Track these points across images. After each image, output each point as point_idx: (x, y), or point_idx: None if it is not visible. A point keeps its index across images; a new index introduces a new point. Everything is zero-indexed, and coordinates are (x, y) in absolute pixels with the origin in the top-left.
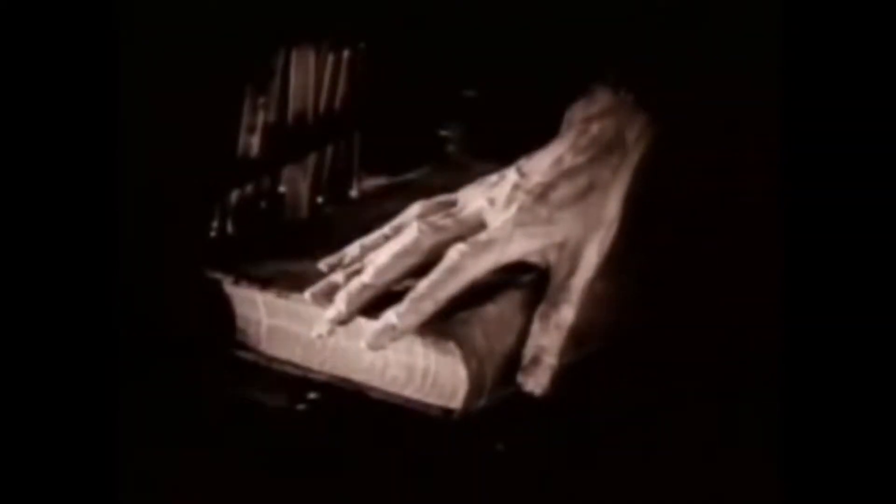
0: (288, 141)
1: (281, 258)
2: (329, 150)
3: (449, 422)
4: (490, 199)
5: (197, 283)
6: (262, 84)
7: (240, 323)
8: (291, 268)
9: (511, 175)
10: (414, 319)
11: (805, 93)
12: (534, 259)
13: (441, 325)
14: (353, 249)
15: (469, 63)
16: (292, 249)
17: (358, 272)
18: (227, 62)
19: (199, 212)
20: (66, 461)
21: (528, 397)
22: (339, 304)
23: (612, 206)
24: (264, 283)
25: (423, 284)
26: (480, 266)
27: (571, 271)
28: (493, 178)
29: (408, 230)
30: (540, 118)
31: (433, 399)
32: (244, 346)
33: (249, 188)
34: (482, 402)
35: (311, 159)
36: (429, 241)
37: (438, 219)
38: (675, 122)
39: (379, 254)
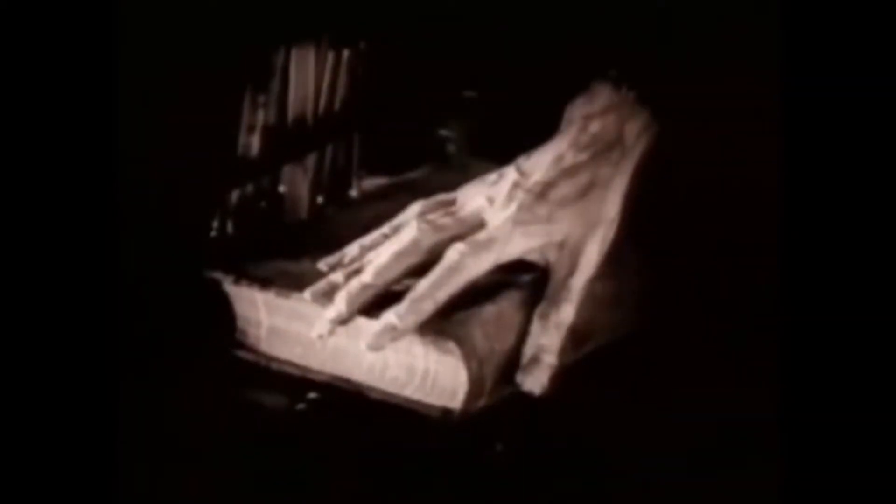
0: (288, 141)
1: (281, 258)
2: (329, 150)
3: (449, 422)
4: (489, 197)
5: (197, 283)
6: (262, 84)
7: (240, 323)
8: (291, 268)
9: (510, 173)
10: (414, 319)
11: (806, 90)
12: (533, 258)
13: (441, 325)
14: (352, 249)
15: (469, 63)
16: (292, 249)
17: (358, 272)
18: (227, 62)
19: (199, 212)
20: (66, 461)
21: (528, 397)
22: (339, 304)
23: (612, 204)
24: (264, 283)
25: (422, 284)
26: (480, 265)
27: (571, 270)
28: (493, 176)
29: (407, 229)
30: (540, 118)
31: (433, 399)
32: (244, 346)
33: (249, 188)
34: (482, 402)
35: (311, 159)
36: (428, 241)
37: (438, 218)
38: (676, 119)
39: (379, 253)
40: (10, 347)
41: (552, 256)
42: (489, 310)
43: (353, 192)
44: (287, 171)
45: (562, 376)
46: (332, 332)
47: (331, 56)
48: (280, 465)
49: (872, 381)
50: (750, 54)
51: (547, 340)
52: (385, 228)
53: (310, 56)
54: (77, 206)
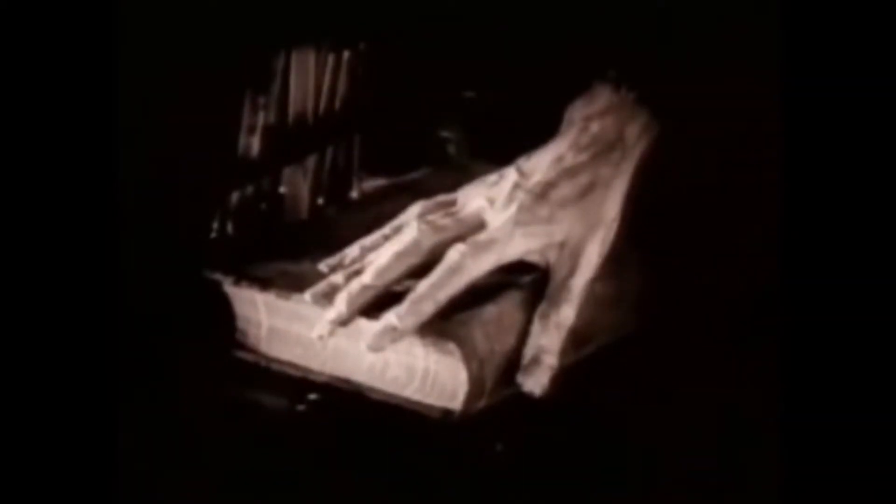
0: (288, 142)
1: (281, 259)
2: (329, 151)
3: (449, 422)
4: (490, 198)
5: (197, 284)
6: (262, 85)
7: (240, 323)
8: (292, 269)
9: (511, 174)
10: (414, 320)
11: (806, 90)
12: (534, 258)
13: (441, 326)
14: (353, 250)
15: (469, 63)
16: (292, 250)
17: (358, 273)
18: (227, 63)
19: (200, 212)
20: (66, 462)
21: (528, 397)
22: (340, 305)
23: (612, 205)
24: (264, 284)
25: (423, 285)
26: (480, 266)
27: (572, 271)
28: (493, 177)
29: (407, 230)
30: (540, 118)
31: (433, 400)
32: (244, 347)
33: (250, 189)
34: (482, 403)
35: (312, 160)
36: (429, 242)
37: (438, 218)
38: (676, 119)
39: (379, 254)
40: (11, 348)
41: (552, 257)
42: (490, 310)
43: (354, 193)
44: (287, 172)
45: (562, 377)
46: (332, 333)
47: (331, 57)
48: (280, 465)
49: (873, 381)
50: (750, 54)
51: (547, 341)
52: (385, 229)
53: (310, 57)
54: (77, 206)
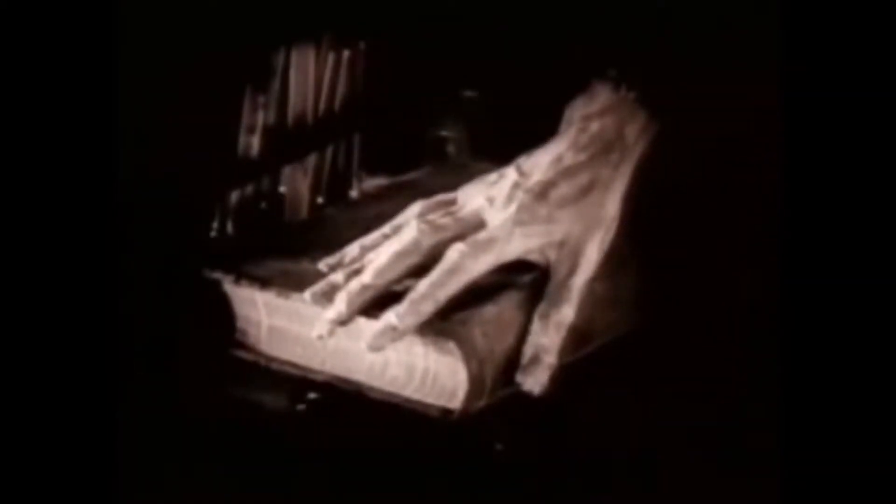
0: (288, 141)
1: (281, 258)
2: (329, 151)
3: (448, 422)
4: (490, 197)
5: (197, 283)
6: (262, 84)
7: (240, 323)
8: (291, 268)
9: (511, 173)
10: (414, 320)
11: (806, 90)
12: (534, 258)
13: (441, 325)
14: (352, 249)
15: (469, 63)
16: (292, 249)
17: (358, 272)
18: (227, 62)
19: (199, 212)
20: (66, 461)
21: (528, 397)
22: (339, 305)
23: (612, 205)
24: (264, 283)
25: (422, 284)
26: (480, 265)
27: (571, 270)
28: (493, 176)
29: (407, 229)
30: (540, 118)
31: (433, 399)
32: (244, 346)
33: (249, 188)
34: (482, 402)
35: (311, 159)
36: (428, 241)
37: (438, 218)
38: (676, 119)
39: (379, 254)
40: (11, 347)
41: (552, 256)
42: (489, 310)
43: (354, 193)
44: (287, 171)
45: (561, 376)
46: (331, 333)
47: (331, 56)
48: (280, 465)
49: (873, 381)
50: (750, 54)
51: (547, 340)
52: (385, 228)
53: (310, 56)
54: (77, 205)
